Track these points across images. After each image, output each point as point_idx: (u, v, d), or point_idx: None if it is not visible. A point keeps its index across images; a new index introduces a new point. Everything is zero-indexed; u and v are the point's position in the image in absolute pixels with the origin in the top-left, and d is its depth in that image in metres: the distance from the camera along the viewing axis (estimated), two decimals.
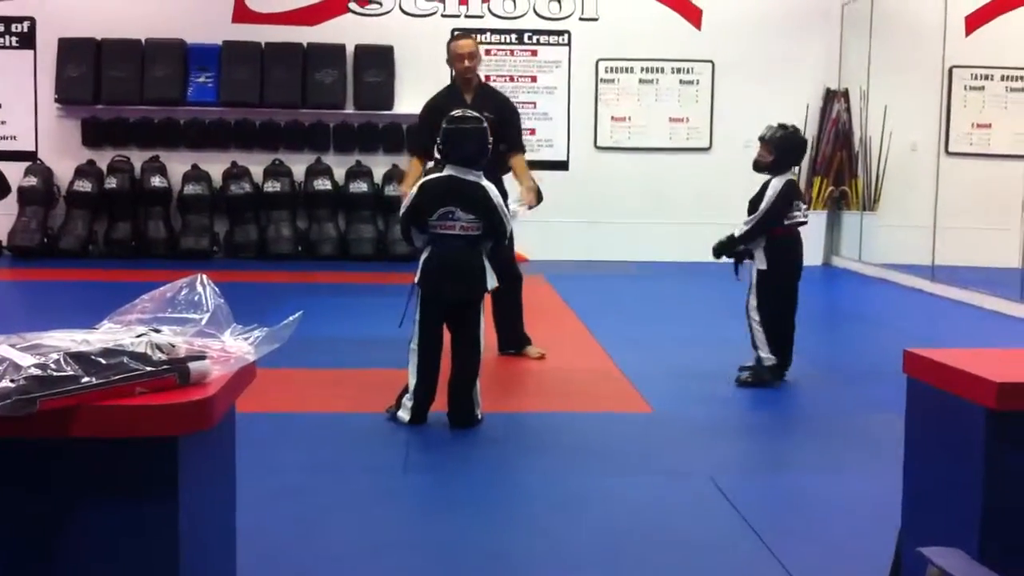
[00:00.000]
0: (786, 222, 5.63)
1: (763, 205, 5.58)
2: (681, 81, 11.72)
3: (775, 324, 5.58)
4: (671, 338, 7.04)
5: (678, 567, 3.27)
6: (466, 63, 6.20)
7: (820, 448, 4.64)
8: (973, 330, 7.79)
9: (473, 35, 6.98)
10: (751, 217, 5.60)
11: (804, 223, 5.78)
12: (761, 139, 5.72)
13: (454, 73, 6.36)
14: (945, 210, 9.87)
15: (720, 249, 5.70)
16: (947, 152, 10.39)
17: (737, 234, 5.62)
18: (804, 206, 5.88)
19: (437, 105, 5.97)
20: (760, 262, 5.61)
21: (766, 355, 5.55)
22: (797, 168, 6.16)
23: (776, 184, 5.61)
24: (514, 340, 6.28)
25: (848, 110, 11.58)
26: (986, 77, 10.88)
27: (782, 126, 5.72)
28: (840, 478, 4.16)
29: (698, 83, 11.71)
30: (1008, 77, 10.73)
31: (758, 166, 5.74)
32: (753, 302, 5.58)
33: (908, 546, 2.48)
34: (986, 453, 2.21)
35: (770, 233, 5.60)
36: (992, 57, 10.56)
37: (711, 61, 11.64)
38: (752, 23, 11.61)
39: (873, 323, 8.35)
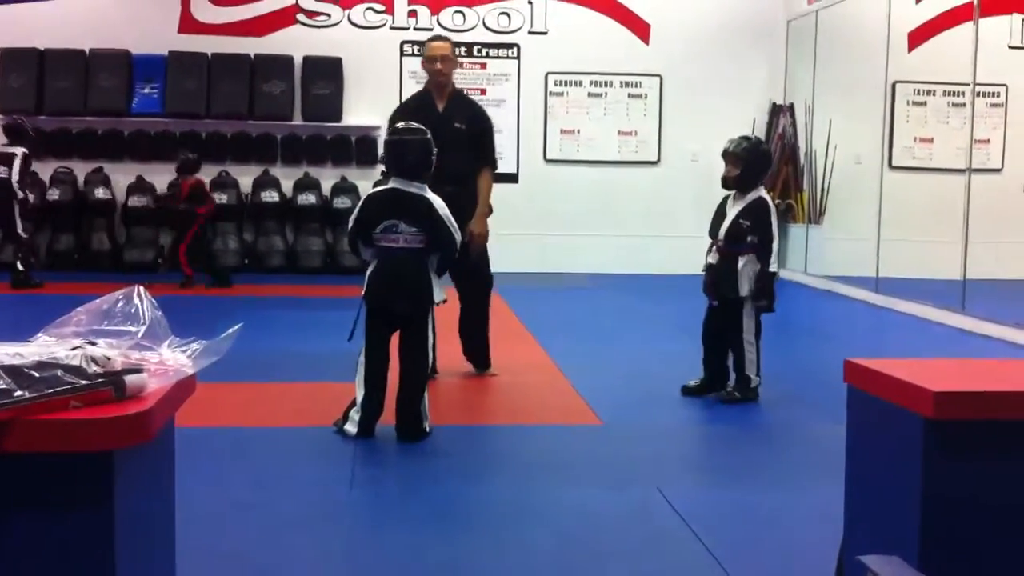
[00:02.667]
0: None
1: (773, 229, 5.37)
2: (630, 95, 11.81)
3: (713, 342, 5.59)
4: (621, 351, 7.07)
5: None
6: (438, 66, 5.82)
7: (766, 459, 4.67)
8: (916, 340, 7.90)
9: (449, 39, 6.10)
10: (768, 247, 5.35)
11: None
12: (725, 153, 5.43)
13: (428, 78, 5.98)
14: (889, 223, 10.02)
15: (771, 295, 5.42)
16: (891, 166, 10.54)
17: (773, 269, 5.39)
18: None
19: (406, 110, 5.70)
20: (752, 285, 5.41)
21: (756, 378, 5.48)
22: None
23: (770, 205, 5.44)
24: (478, 358, 6.07)
25: (794, 124, 11.74)
26: (929, 92, 11.06)
27: (745, 138, 5.56)
28: (786, 488, 4.19)
29: (646, 97, 11.80)
30: (950, 92, 10.89)
31: (726, 183, 5.47)
32: (749, 324, 5.42)
33: (850, 554, 2.50)
34: (924, 461, 2.23)
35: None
36: (934, 73, 10.73)
37: (659, 75, 11.75)
38: (699, 38, 11.74)
39: (819, 335, 8.44)
